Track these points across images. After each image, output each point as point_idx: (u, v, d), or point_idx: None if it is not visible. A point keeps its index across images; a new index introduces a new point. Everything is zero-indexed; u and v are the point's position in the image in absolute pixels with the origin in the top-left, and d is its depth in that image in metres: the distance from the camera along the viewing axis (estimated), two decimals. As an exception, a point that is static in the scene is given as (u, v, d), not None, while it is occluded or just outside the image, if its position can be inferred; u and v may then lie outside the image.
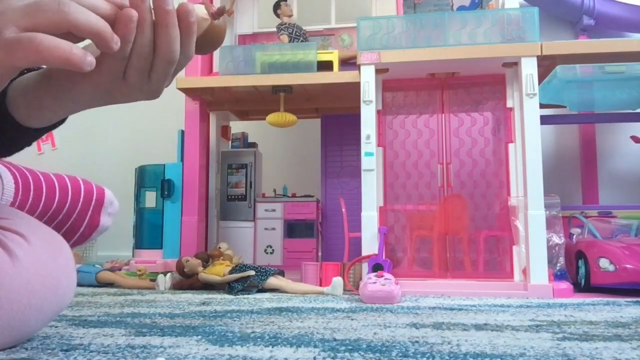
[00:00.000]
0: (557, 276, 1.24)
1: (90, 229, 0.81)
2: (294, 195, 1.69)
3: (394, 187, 1.32)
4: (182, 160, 1.62)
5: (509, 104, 1.28)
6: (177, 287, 1.33)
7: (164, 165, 1.62)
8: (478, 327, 0.73)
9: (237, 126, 1.88)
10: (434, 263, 1.28)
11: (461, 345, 0.60)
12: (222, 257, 1.35)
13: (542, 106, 1.24)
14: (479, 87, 1.33)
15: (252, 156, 1.69)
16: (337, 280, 1.18)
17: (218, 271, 1.27)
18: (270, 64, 1.51)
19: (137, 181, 1.66)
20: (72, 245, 0.77)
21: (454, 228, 1.29)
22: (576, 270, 1.30)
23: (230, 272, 1.24)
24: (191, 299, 1.10)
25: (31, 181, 0.75)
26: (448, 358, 0.54)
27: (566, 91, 1.38)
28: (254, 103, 1.70)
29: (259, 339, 0.64)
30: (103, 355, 0.55)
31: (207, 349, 0.58)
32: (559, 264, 1.27)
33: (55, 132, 1.59)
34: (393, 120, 1.35)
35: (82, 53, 0.41)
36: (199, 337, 0.65)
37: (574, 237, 1.38)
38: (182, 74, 1.55)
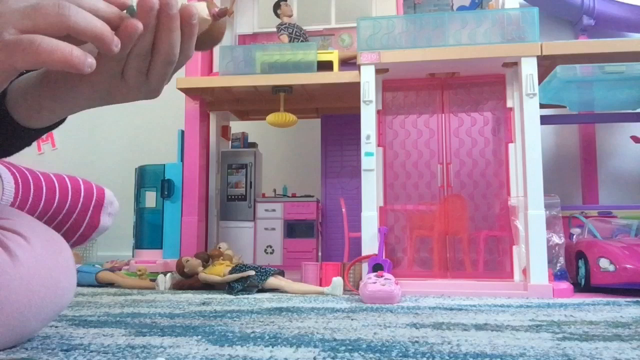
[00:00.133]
0: (557, 276, 1.24)
1: (91, 229, 0.81)
2: (294, 195, 1.69)
3: (394, 187, 1.32)
4: (182, 160, 1.62)
5: (509, 104, 1.28)
6: (177, 287, 1.33)
7: (164, 165, 1.62)
8: (478, 327, 0.73)
9: (237, 126, 1.88)
10: (434, 263, 1.28)
11: (461, 345, 0.60)
12: (222, 257, 1.34)
13: (542, 106, 1.24)
14: (479, 87, 1.33)
15: (252, 156, 1.69)
16: (337, 280, 1.18)
17: (218, 271, 1.27)
18: (270, 64, 1.51)
19: (137, 181, 1.66)
20: (72, 246, 0.77)
21: (454, 228, 1.29)
22: (576, 270, 1.30)
23: (230, 272, 1.24)
24: (191, 299, 1.10)
25: (31, 181, 0.74)
26: (448, 358, 0.54)
27: (566, 91, 1.38)
28: (254, 103, 1.70)
29: (259, 339, 0.64)
30: (103, 355, 0.55)
31: (207, 349, 0.58)
32: (559, 264, 1.27)
33: (55, 132, 1.59)
34: (393, 120, 1.35)
35: (82, 55, 0.41)
36: (199, 337, 0.65)
37: (574, 237, 1.38)
38: (182, 73, 1.55)
